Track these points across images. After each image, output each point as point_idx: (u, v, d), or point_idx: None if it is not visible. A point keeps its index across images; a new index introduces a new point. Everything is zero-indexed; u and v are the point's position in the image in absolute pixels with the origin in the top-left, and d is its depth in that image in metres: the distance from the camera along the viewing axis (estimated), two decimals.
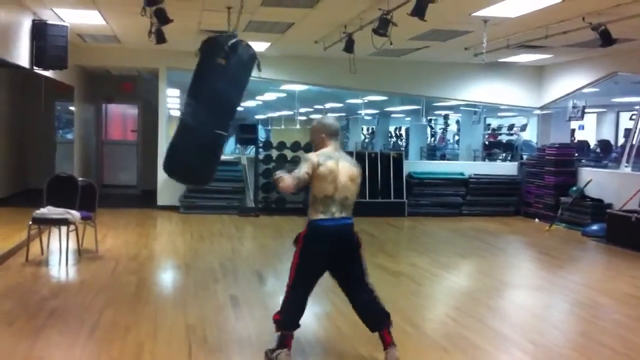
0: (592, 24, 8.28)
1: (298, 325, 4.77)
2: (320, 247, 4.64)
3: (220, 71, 6.03)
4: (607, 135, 22.47)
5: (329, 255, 4.66)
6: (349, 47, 9.58)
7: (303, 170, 4.53)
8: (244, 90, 6.36)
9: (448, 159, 22.01)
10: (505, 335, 5.60)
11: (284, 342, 4.70)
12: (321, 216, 4.58)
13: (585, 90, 13.16)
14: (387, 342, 4.67)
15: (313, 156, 4.60)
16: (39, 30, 8.84)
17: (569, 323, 6.21)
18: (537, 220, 12.77)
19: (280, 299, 6.38)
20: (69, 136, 14.14)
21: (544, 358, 5.00)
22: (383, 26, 7.69)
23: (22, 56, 8.70)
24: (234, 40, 6.07)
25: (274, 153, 13.15)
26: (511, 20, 8.84)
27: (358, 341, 5.16)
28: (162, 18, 7.71)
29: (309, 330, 5.35)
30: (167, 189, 12.81)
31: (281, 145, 13.11)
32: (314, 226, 4.62)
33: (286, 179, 4.53)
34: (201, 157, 5.97)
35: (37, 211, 7.84)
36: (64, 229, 8.01)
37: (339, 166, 4.61)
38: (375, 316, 4.76)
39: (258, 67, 6.31)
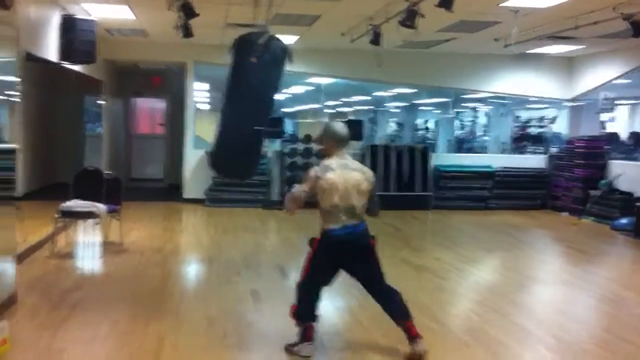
0: (623, 14, 8.10)
1: (316, 316, 4.79)
2: (331, 256, 4.71)
3: (254, 68, 6.11)
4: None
5: (342, 261, 4.72)
6: (376, 39, 9.49)
7: (299, 189, 4.63)
8: (279, 85, 6.45)
9: (476, 152, 21.78)
10: (529, 331, 5.52)
11: (306, 334, 4.73)
12: (332, 225, 4.63)
13: (618, 82, 12.91)
14: (413, 335, 4.69)
15: (312, 172, 4.65)
16: (68, 24, 8.91)
17: (593, 319, 6.11)
18: (565, 213, 12.59)
19: None
20: (98, 130, 14.29)
21: (567, 354, 4.92)
22: (410, 18, 7.61)
23: (50, 51, 8.78)
24: (265, 37, 6.10)
25: (300, 146, 13.13)
26: (541, 11, 8.70)
27: (379, 334, 5.14)
28: (189, 12, 7.74)
29: (329, 323, 5.34)
30: (193, 182, 12.90)
31: (307, 138, 13.08)
32: (326, 235, 4.68)
33: (286, 200, 4.71)
34: (242, 153, 6.25)
35: (64, 204, 7.93)
36: (90, 222, 8.11)
37: (341, 177, 4.60)
38: (399, 307, 4.78)
39: (290, 59, 6.34)
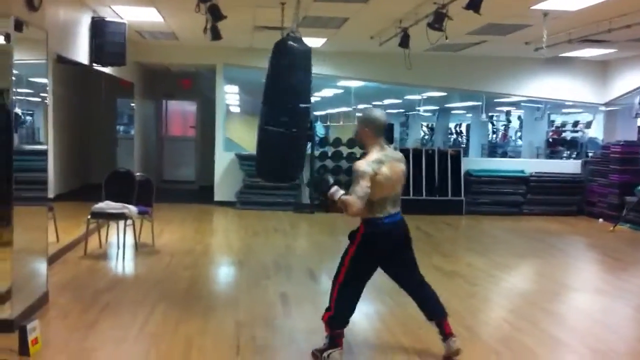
0: None
1: (348, 322, 4.73)
2: (375, 246, 4.60)
3: (284, 72, 6.08)
4: None
5: (385, 251, 4.63)
6: (405, 42, 9.43)
7: (364, 186, 4.37)
8: (310, 87, 6.38)
9: (510, 156, 21.53)
10: (561, 341, 5.41)
11: (336, 341, 4.66)
12: (379, 214, 4.54)
13: None
14: (447, 333, 4.67)
15: (367, 168, 4.42)
16: (98, 27, 9.00)
17: (629, 329, 5.96)
18: (600, 220, 12.36)
19: (328, 297, 6.33)
20: (130, 132, 14.41)
21: None
22: (438, 20, 7.53)
23: (81, 53, 8.87)
24: (292, 40, 6.08)
25: (330, 150, 13.10)
26: (572, 14, 8.55)
27: (408, 341, 5.07)
28: (216, 14, 7.76)
29: (358, 329, 5.28)
30: (224, 184, 12.95)
31: (337, 142, 13.05)
32: (374, 224, 4.56)
33: (354, 204, 4.37)
34: (286, 157, 6.12)
35: (96, 205, 8.00)
36: (121, 223, 8.16)
37: (391, 169, 4.52)
38: (435, 303, 4.75)
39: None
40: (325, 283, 7.10)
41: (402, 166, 4.64)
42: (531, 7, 8.27)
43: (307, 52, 6.23)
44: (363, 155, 4.64)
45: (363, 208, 4.41)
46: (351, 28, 10.20)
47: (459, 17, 7.64)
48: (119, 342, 4.99)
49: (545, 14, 8.50)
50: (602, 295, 7.14)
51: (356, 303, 4.71)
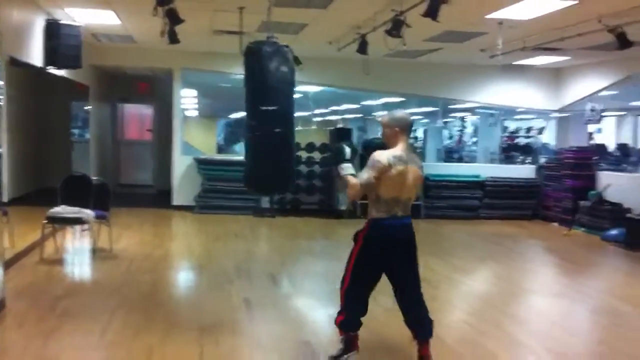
0: (608, 26, 8.13)
1: (361, 324, 4.67)
2: (382, 246, 4.53)
3: (270, 76, 5.77)
4: (626, 138, 22.16)
5: (390, 255, 4.55)
6: (363, 48, 9.49)
7: (371, 174, 4.39)
8: (294, 88, 5.99)
9: (465, 162, 21.83)
10: (522, 343, 5.49)
11: (352, 344, 4.64)
12: (384, 215, 4.48)
13: (604, 93, 12.98)
14: (423, 354, 4.58)
15: (384, 158, 4.42)
16: (52, 30, 8.84)
17: (588, 331, 6.09)
18: (555, 224, 12.61)
19: (294, 302, 6.33)
20: (85, 135, 14.17)
21: None
22: (396, 27, 7.60)
23: (35, 55, 8.70)
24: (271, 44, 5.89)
25: None
26: (526, 23, 8.72)
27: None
28: (174, 18, 7.67)
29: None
30: (183, 188, 12.83)
31: (296, 147, 13.00)
32: (378, 225, 4.52)
33: (354, 187, 4.42)
34: (279, 163, 5.61)
35: (52, 210, 7.84)
36: (78, 228, 8.00)
37: (409, 169, 4.47)
38: (423, 325, 4.66)
39: (297, 62, 6.11)
40: (287, 287, 7.14)
41: (419, 172, 4.57)
42: (486, 16, 8.41)
43: (286, 53, 5.97)
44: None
45: (361, 194, 4.45)
46: (310, 34, 10.21)
47: (416, 25, 7.71)
48: (79, 350, 4.89)
49: (500, 22, 8.66)
50: (560, 298, 7.27)
51: (366, 304, 4.64)
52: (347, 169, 4.53)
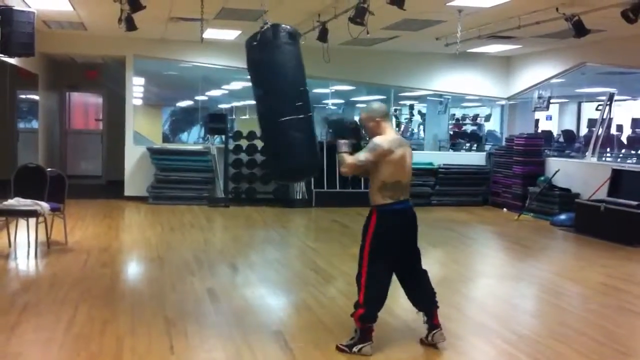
0: (565, 14, 8.33)
1: (377, 317, 4.73)
2: (394, 233, 4.65)
3: (277, 60, 5.48)
4: (569, 125, 22.75)
5: (401, 239, 4.70)
6: (323, 36, 9.49)
7: (368, 156, 4.54)
8: (303, 67, 5.49)
9: (413, 149, 22.07)
10: (486, 325, 5.61)
11: (368, 335, 4.67)
12: (390, 200, 4.60)
13: (554, 81, 13.29)
14: (435, 323, 4.80)
15: (384, 143, 4.55)
16: (5, 16, 8.54)
17: (547, 313, 6.24)
18: (505, 210, 12.89)
19: (258, 290, 6.34)
20: (30, 125, 13.78)
21: (528, 349, 4.99)
22: (360, 14, 7.62)
23: None
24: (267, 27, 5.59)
25: (244, 143, 13.00)
26: (485, 11, 8.86)
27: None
28: (135, 4, 7.54)
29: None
30: (135, 179, 12.63)
31: (251, 135, 12.96)
32: (387, 210, 4.62)
33: (348, 166, 4.59)
34: (305, 148, 5.21)
35: (5, 202, 7.62)
36: (32, 220, 7.79)
37: (406, 153, 4.65)
38: (428, 296, 4.87)
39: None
40: (249, 276, 7.13)
41: (411, 153, 4.76)
42: (447, 4, 8.50)
43: (287, 35, 5.64)
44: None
45: (352, 172, 4.66)
46: (268, 21, 10.12)
47: (376, 12, 7.75)
48: (46, 345, 4.78)
49: (460, 10, 8.77)
50: (516, 281, 7.45)
51: (385, 295, 4.72)
52: (344, 145, 4.69)
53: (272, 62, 5.28)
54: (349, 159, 4.61)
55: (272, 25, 5.34)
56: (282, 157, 5.17)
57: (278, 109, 5.11)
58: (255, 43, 5.31)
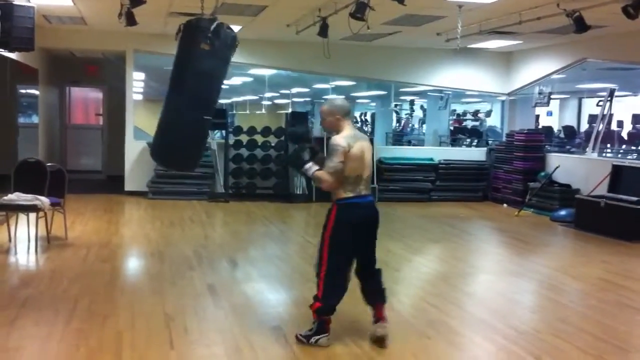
0: (566, 10, 8.32)
1: (335, 310, 4.78)
2: (354, 226, 4.67)
3: (203, 56, 5.93)
4: (570, 121, 22.76)
5: (360, 233, 4.71)
6: (324, 31, 9.48)
7: (336, 160, 4.56)
8: (226, 73, 6.36)
9: (414, 145, 22.07)
10: (486, 322, 5.61)
11: (325, 327, 4.73)
12: (350, 194, 4.64)
13: (554, 77, 13.28)
14: (380, 317, 4.82)
15: (342, 141, 4.60)
16: (5, 11, 8.53)
17: (547, 309, 6.24)
18: (505, 205, 12.89)
19: (258, 286, 6.34)
20: (30, 120, 13.77)
21: (528, 344, 4.99)
22: (360, 10, 7.62)
23: None
24: (216, 24, 5.94)
25: (244, 138, 12.99)
26: (486, 6, 8.85)
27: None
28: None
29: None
30: (135, 174, 12.63)
31: (252, 130, 12.95)
32: (347, 204, 4.65)
33: (326, 180, 4.59)
34: (186, 143, 5.99)
35: (5, 197, 7.62)
36: (32, 215, 7.80)
37: (364, 147, 4.69)
38: (381, 289, 4.92)
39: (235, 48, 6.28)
40: (249, 272, 7.13)
41: (370, 146, 4.79)
42: None
43: (227, 37, 6.11)
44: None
45: (336, 182, 4.59)
46: (269, 16, 10.14)
47: (377, 7, 7.74)
48: (45, 340, 4.78)
49: (461, 5, 8.76)
50: (516, 277, 7.44)
51: (344, 289, 4.75)
52: (310, 168, 4.71)
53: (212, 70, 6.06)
54: (322, 174, 4.62)
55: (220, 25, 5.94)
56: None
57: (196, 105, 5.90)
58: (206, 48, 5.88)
